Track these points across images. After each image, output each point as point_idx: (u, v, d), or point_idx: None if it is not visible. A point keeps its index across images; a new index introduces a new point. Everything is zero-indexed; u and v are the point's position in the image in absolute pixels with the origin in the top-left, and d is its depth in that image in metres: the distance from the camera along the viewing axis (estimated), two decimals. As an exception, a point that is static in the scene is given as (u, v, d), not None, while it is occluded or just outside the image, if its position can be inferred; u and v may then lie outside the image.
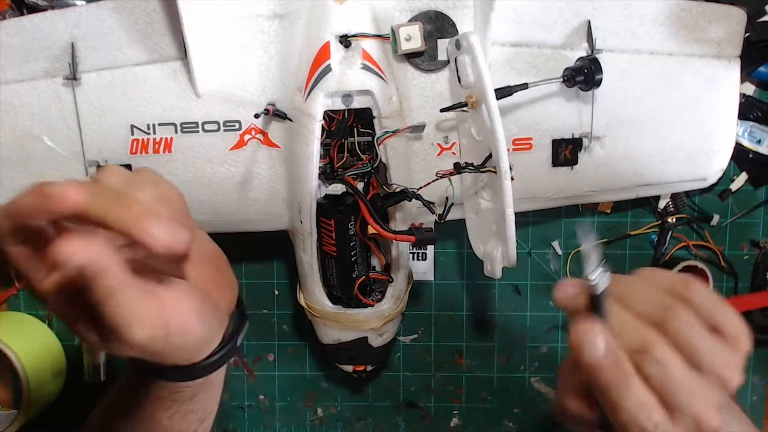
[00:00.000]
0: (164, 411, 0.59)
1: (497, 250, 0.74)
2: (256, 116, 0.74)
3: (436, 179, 0.75)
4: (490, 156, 0.73)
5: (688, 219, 0.96)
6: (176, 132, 0.78)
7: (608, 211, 0.96)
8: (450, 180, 0.75)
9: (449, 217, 0.84)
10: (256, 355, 1.00)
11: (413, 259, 0.97)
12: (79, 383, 0.99)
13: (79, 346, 0.98)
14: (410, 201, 0.76)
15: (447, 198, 0.76)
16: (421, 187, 0.76)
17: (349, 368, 0.89)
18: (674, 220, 0.95)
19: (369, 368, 0.90)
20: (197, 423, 0.63)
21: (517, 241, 0.95)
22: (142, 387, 0.58)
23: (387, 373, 1.01)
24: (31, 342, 0.94)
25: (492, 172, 0.72)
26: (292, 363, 1.01)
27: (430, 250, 0.98)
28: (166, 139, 0.78)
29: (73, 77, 0.76)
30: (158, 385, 0.57)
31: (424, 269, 0.98)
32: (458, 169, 0.74)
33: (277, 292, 0.99)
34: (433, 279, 0.99)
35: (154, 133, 0.78)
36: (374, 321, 0.83)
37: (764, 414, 1.01)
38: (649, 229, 0.97)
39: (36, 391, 0.90)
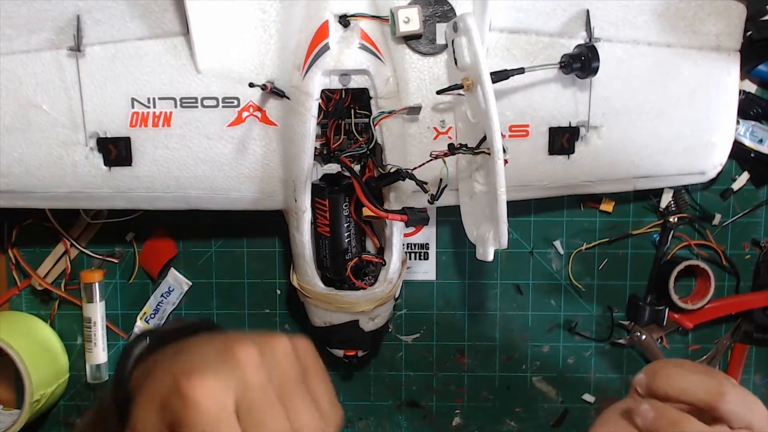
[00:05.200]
0: None
1: (489, 232, 0.74)
2: (251, 85, 0.75)
3: (431, 159, 0.75)
4: (484, 138, 0.73)
5: (690, 218, 0.95)
6: (176, 106, 0.79)
7: (610, 211, 0.96)
8: (444, 161, 0.75)
9: (446, 206, 0.85)
10: (258, 355, 1.00)
11: (416, 258, 0.97)
12: (82, 383, 1.00)
13: (82, 345, 0.98)
14: (404, 180, 0.76)
15: (441, 179, 0.76)
16: (415, 168, 0.76)
17: (339, 353, 0.88)
18: (676, 219, 0.94)
19: (360, 354, 0.89)
20: None
21: (518, 239, 0.96)
22: None
23: (389, 372, 1.01)
24: (33, 342, 0.94)
25: (486, 153, 0.72)
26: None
27: (432, 249, 0.98)
28: (166, 113, 0.79)
29: (77, 49, 0.77)
30: None
31: (425, 269, 0.99)
32: (452, 149, 0.74)
33: (278, 292, 0.99)
34: (435, 278, 0.99)
35: (154, 106, 0.79)
36: (366, 304, 0.82)
37: (764, 414, 0.99)
38: (650, 229, 0.96)
39: (38, 390, 0.90)
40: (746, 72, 0.90)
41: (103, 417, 0.54)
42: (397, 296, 0.88)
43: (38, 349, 0.94)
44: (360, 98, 0.80)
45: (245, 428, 0.45)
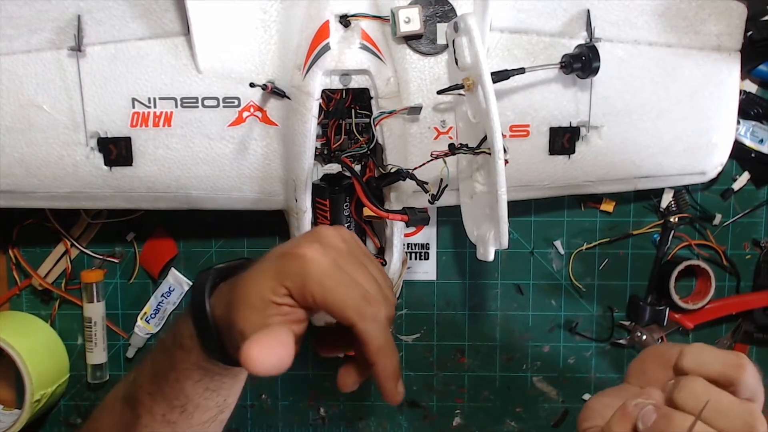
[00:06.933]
0: (192, 381, 0.63)
1: (490, 232, 0.74)
2: (252, 85, 0.75)
3: (431, 159, 0.75)
4: (485, 138, 0.73)
5: (691, 218, 0.96)
6: (176, 106, 0.79)
7: (610, 211, 0.96)
8: (445, 161, 0.75)
9: (446, 206, 0.85)
10: (258, 354, 1.00)
11: (417, 258, 0.97)
12: (82, 383, 1.00)
13: (82, 345, 0.98)
14: (404, 180, 0.76)
15: (441, 179, 0.76)
16: (416, 168, 0.76)
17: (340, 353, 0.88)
18: (676, 219, 0.95)
19: (361, 354, 0.89)
20: (216, 409, 0.65)
21: (519, 239, 0.97)
22: (183, 352, 0.62)
23: (389, 372, 1.01)
24: (33, 342, 0.94)
25: (486, 153, 0.72)
26: (295, 362, 0.99)
27: (433, 249, 0.98)
28: (166, 113, 0.79)
29: (78, 49, 0.77)
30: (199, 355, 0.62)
31: (426, 269, 0.99)
32: (453, 149, 0.74)
33: (280, 292, 0.99)
34: (435, 278, 0.99)
35: (155, 106, 0.79)
36: (366, 304, 0.82)
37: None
38: (651, 229, 0.96)
39: (39, 390, 0.91)
40: (747, 72, 0.90)
41: (180, 350, 0.62)
42: (397, 296, 0.88)
43: (39, 349, 0.94)
44: (361, 98, 0.80)
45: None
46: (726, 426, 0.50)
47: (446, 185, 0.76)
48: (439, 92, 0.77)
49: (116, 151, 0.80)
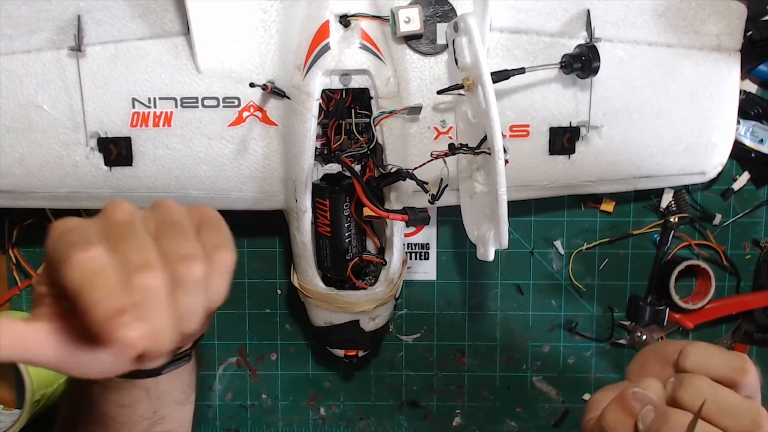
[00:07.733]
0: (103, 398, 0.60)
1: (490, 232, 0.74)
2: (252, 85, 0.75)
3: (431, 159, 0.75)
4: (485, 138, 0.73)
5: (691, 218, 0.96)
6: (176, 106, 0.79)
7: (610, 211, 0.96)
8: (445, 161, 0.75)
9: (446, 206, 0.85)
10: (259, 355, 1.00)
11: (417, 258, 0.97)
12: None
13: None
14: (404, 180, 0.76)
15: (441, 179, 0.76)
16: (416, 167, 0.76)
17: (340, 353, 0.88)
18: (676, 219, 0.95)
19: (361, 354, 0.89)
20: (146, 422, 0.62)
21: (519, 239, 0.97)
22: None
23: (389, 372, 1.01)
24: None
25: (486, 153, 0.72)
26: (295, 362, 1.01)
27: (433, 249, 0.98)
28: (167, 113, 0.79)
29: (78, 49, 0.77)
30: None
31: (426, 269, 0.99)
32: (453, 149, 0.74)
33: (279, 292, 0.99)
34: (435, 278, 0.99)
35: (155, 106, 0.79)
36: (366, 303, 0.83)
37: (764, 414, 0.99)
38: (651, 229, 0.96)
39: (39, 390, 0.91)
40: (747, 72, 0.90)
41: None
42: (397, 296, 0.88)
43: (39, 348, 0.94)
44: (361, 98, 0.80)
45: (112, 255, 0.44)
46: (732, 424, 0.49)
47: (446, 185, 0.76)
48: (439, 92, 0.77)
49: (116, 151, 0.80)
